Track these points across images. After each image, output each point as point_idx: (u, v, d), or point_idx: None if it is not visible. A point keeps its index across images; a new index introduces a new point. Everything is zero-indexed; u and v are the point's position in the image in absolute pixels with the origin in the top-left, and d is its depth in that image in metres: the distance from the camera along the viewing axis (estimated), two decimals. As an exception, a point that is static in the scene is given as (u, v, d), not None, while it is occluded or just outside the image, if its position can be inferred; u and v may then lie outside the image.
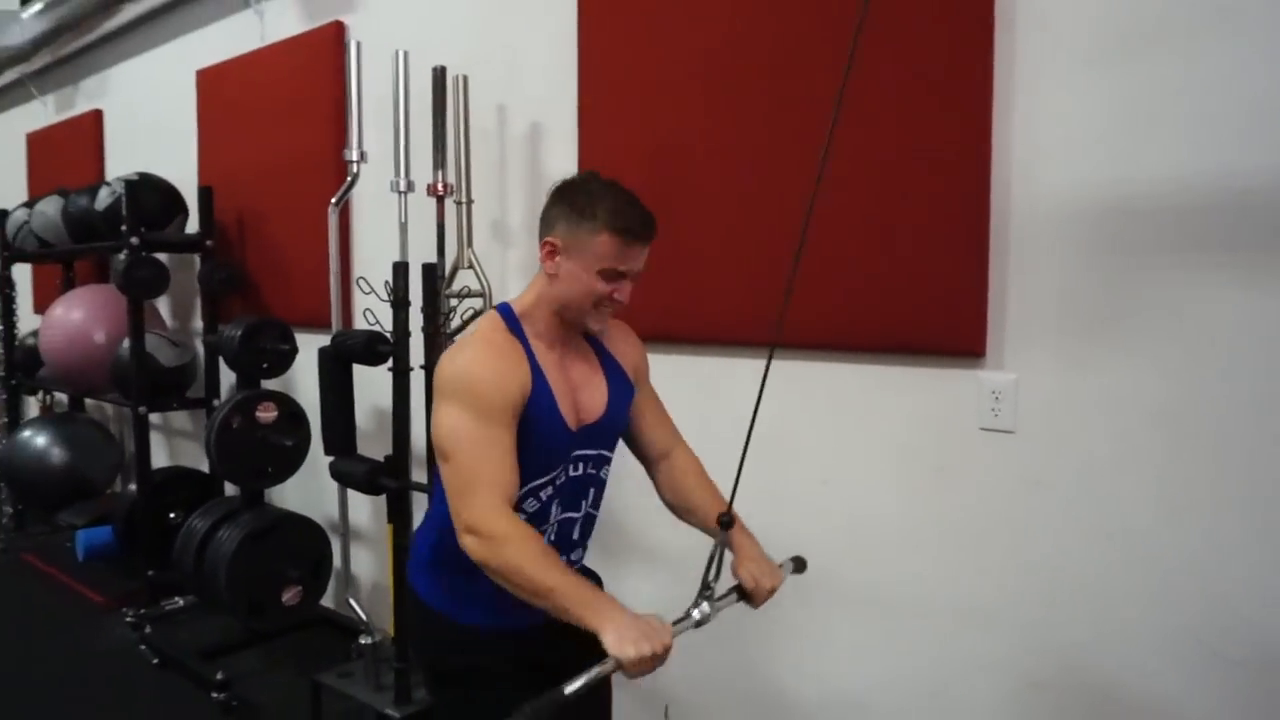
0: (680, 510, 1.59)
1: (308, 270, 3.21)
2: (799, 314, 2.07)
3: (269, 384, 3.21)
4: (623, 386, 1.53)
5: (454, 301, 2.52)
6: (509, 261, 2.69)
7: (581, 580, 1.24)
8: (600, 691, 1.53)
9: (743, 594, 1.42)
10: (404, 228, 2.55)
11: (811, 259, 2.03)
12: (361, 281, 2.37)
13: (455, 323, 2.50)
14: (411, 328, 2.42)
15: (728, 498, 1.45)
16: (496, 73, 2.65)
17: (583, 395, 1.46)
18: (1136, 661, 1.68)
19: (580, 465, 1.47)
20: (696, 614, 1.28)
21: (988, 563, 1.87)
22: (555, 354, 1.43)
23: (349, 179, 2.55)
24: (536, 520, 1.43)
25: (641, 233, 1.37)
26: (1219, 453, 1.58)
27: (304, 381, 3.18)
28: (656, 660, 1.16)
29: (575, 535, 1.51)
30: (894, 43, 1.87)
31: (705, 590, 1.29)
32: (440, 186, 2.57)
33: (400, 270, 2.40)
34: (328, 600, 3.27)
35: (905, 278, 1.92)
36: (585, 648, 1.18)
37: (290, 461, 3.12)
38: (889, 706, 2.04)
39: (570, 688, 1.12)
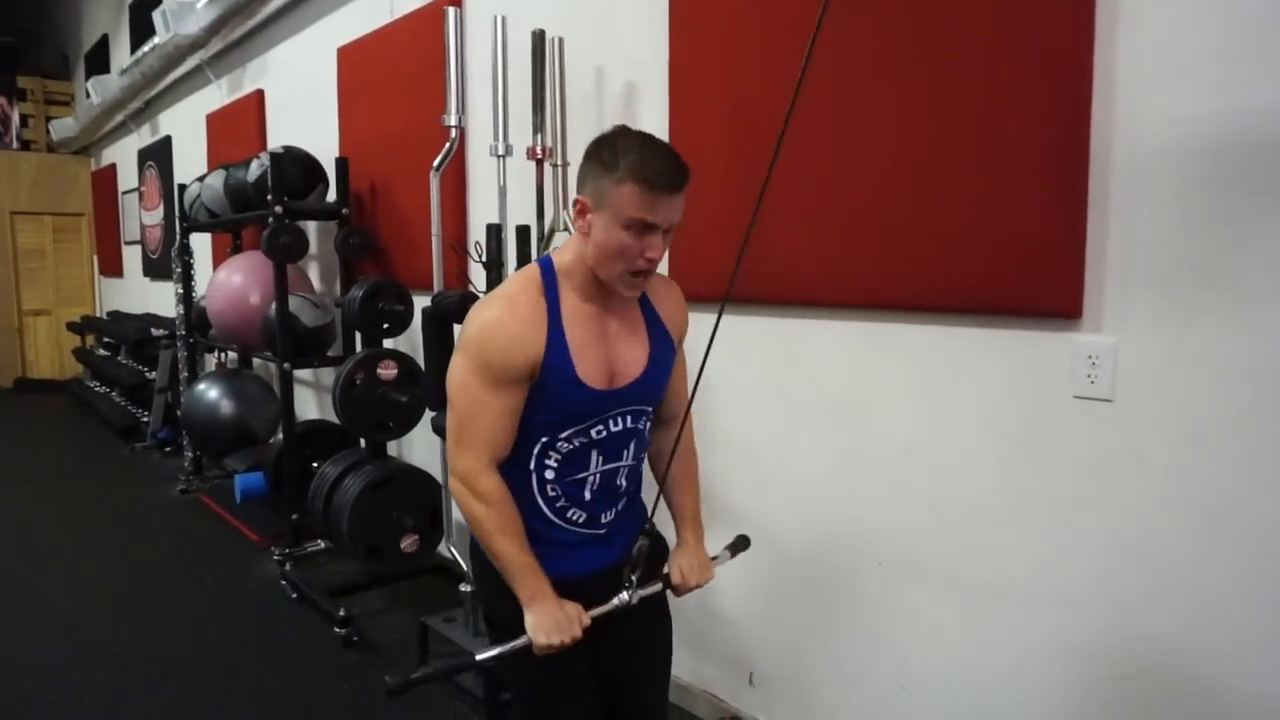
0: (654, 472, 1.61)
1: (426, 235, 3.36)
2: (877, 271, 1.98)
3: (392, 343, 3.39)
4: (666, 347, 1.50)
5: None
6: (605, 223, 2.70)
7: (526, 561, 1.37)
8: (661, 638, 1.64)
9: (669, 584, 1.53)
10: (503, 191, 2.61)
11: (890, 210, 1.94)
12: (455, 245, 2.44)
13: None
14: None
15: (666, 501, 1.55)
16: (592, 34, 2.65)
17: (621, 355, 1.43)
18: (1239, 657, 1.50)
19: (620, 421, 1.45)
20: (616, 601, 1.40)
21: (1079, 541, 1.71)
22: (593, 311, 1.41)
23: (449, 144, 2.63)
24: (574, 467, 1.43)
25: (667, 181, 1.30)
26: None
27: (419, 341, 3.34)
28: (564, 646, 1.33)
29: (620, 483, 1.50)
30: (984, -26, 1.72)
31: (627, 584, 1.40)
32: (539, 150, 2.61)
33: (493, 232, 2.46)
34: (444, 549, 3.44)
35: (992, 229, 1.77)
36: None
37: (409, 416, 3.29)
38: (966, 687, 1.93)
39: (482, 655, 1.35)
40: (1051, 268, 1.69)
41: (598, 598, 1.41)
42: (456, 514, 3.11)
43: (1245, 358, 1.47)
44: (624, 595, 1.40)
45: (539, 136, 2.61)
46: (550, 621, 1.33)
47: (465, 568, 2.87)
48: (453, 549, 2.86)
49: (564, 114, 2.58)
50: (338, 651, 2.98)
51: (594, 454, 1.44)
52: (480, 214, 3.28)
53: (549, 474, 1.43)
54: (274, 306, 3.65)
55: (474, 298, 2.45)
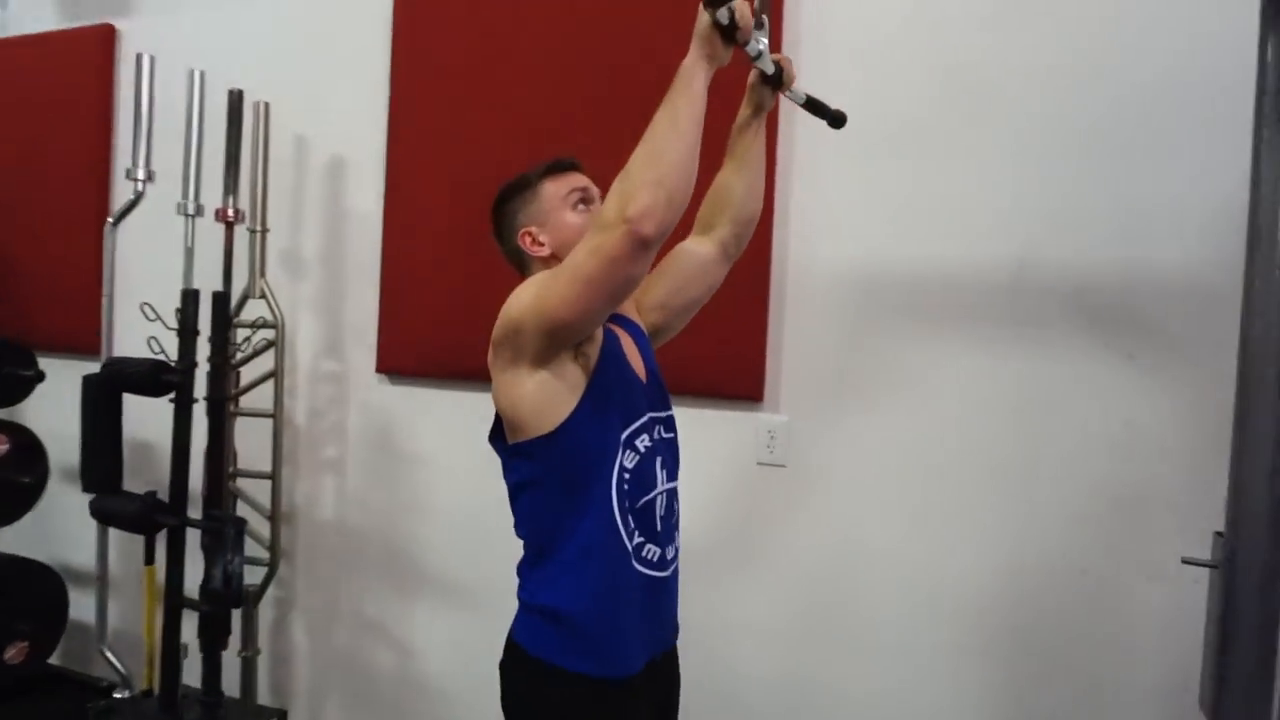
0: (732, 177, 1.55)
1: (65, 290, 2.92)
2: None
3: (6, 413, 2.86)
4: (643, 339, 1.52)
5: (246, 332, 2.44)
6: (300, 294, 2.64)
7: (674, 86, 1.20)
8: None
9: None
10: (190, 253, 2.43)
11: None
12: (147, 307, 2.23)
13: (246, 352, 2.43)
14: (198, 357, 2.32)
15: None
16: (298, 103, 2.62)
17: (631, 357, 1.44)
18: (891, 664, 2.02)
19: (658, 429, 1.43)
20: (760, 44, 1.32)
21: (763, 583, 2.14)
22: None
23: (133, 197, 2.39)
24: (643, 487, 1.35)
25: (569, 161, 1.44)
26: (950, 481, 1.96)
27: (49, 411, 2.86)
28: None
29: (676, 508, 1.45)
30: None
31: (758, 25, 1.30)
32: (230, 212, 2.48)
33: (190, 298, 2.29)
34: (60, 657, 2.93)
35: (700, 330, 2.17)
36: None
37: (23, 500, 2.79)
38: None
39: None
40: (743, 362, 2.13)
41: (657, 700, 1.40)
42: (91, 611, 2.70)
43: (880, 430, 2.02)
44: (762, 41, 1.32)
45: (230, 198, 2.49)
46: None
47: (122, 671, 2.52)
48: (108, 652, 2.50)
49: (266, 179, 2.51)
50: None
51: (657, 465, 1.39)
52: (137, 274, 2.94)
53: (626, 501, 1.32)
54: None
55: (167, 366, 2.24)
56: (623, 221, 1.11)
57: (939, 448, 1.98)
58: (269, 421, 2.52)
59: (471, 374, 2.40)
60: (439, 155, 2.44)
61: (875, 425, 2.03)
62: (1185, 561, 1.45)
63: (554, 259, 1.35)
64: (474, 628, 2.45)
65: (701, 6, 1.18)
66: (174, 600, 2.28)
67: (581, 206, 1.39)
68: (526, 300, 1.25)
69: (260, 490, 2.55)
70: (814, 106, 1.50)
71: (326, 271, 2.64)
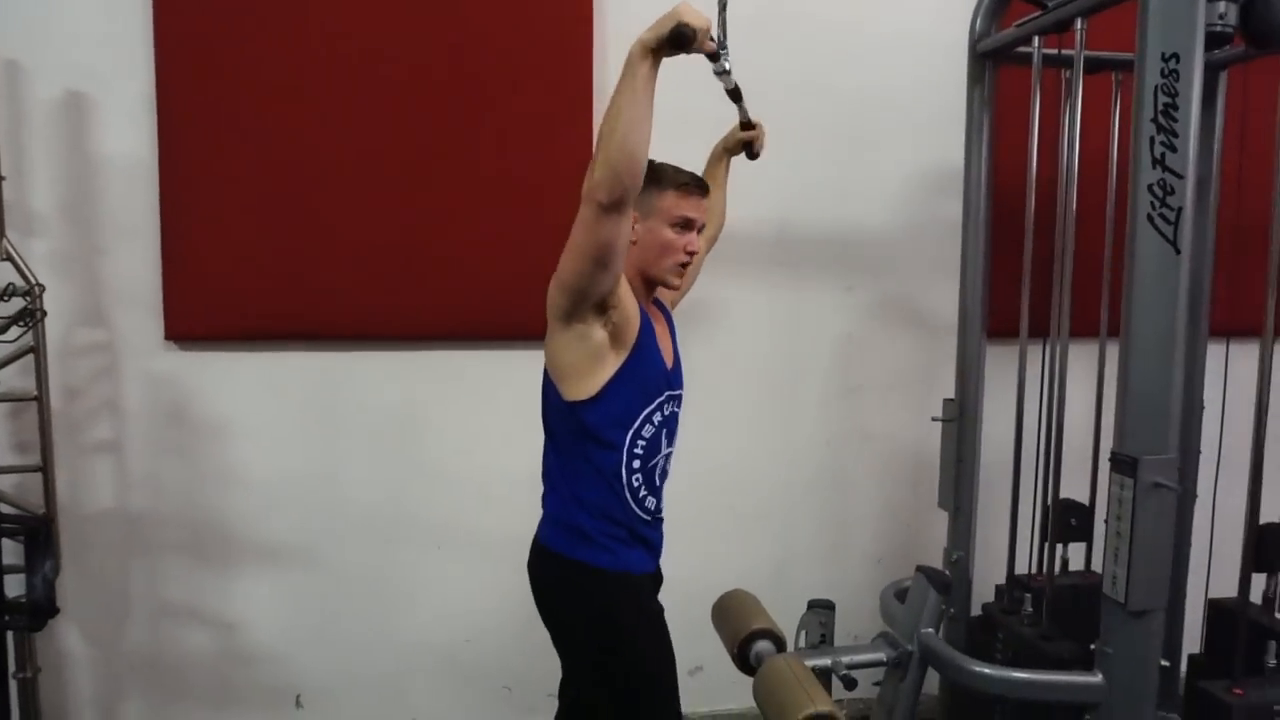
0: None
1: None
2: (433, 304, 2.41)
3: None
4: (673, 326, 1.80)
5: (-3, 302, 2.04)
6: (34, 252, 2.23)
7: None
8: None
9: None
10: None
11: (447, 252, 2.39)
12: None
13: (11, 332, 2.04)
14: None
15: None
16: (9, 24, 2.16)
17: (662, 344, 1.69)
18: (693, 531, 2.60)
19: (672, 404, 1.68)
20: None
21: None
22: (644, 307, 1.63)
23: None
24: (652, 452, 1.62)
25: (697, 185, 1.61)
26: (736, 387, 2.57)
27: None
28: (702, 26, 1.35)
29: (669, 468, 1.72)
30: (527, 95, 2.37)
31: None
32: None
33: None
34: None
35: (534, 279, 2.43)
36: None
37: None
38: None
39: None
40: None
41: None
42: None
43: (691, 352, 2.55)
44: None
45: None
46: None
47: None
48: None
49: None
50: None
51: (662, 436, 1.65)
52: None
53: (636, 463, 1.60)
54: None
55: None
56: (586, 194, 1.35)
57: (729, 361, 2.57)
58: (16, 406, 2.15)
59: (285, 334, 2.36)
60: (228, 90, 2.25)
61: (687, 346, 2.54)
62: (935, 419, 2.27)
63: (637, 250, 1.59)
64: (308, 585, 2.46)
65: (675, 11, 1.32)
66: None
67: (678, 230, 1.59)
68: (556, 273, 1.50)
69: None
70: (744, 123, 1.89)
71: (72, 228, 2.26)
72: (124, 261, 2.29)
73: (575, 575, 1.61)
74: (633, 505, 1.61)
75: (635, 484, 1.61)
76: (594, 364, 1.55)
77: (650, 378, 1.61)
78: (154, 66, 2.23)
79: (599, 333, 1.53)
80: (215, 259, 2.29)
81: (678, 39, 1.31)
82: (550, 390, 1.61)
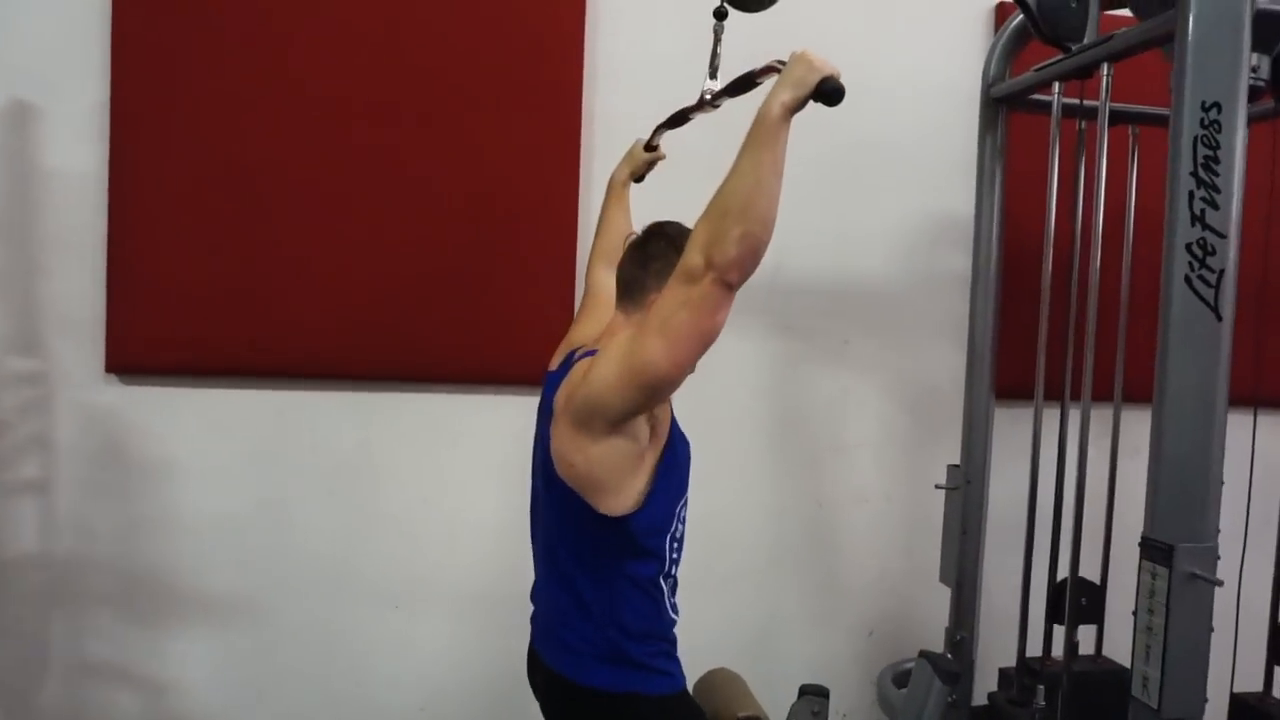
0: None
1: None
2: (400, 345, 2.23)
3: None
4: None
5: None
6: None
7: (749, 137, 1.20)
8: None
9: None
10: None
11: (409, 293, 2.22)
12: None
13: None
14: None
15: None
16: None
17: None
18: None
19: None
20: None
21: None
22: None
23: None
24: (682, 550, 1.43)
25: None
26: (724, 441, 2.40)
27: None
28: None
29: None
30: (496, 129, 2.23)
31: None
32: None
33: None
34: None
35: (508, 318, 2.27)
36: None
37: None
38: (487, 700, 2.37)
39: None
40: (549, 346, 2.30)
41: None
42: None
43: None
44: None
45: None
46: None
47: None
48: None
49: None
50: None
51: (683, 535, 1.45)
52: None
53: (673, 568, 1.41)
54: None
55: None
56: (711, 271, 1.13)
57: (716, 414, 2.40)
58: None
59: (238, 369, 2.18)
60: (187, 103, 2.10)
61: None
62: (938, 487, 2.11)
63: None
64: (251, 644, 2.25)
65: (805, 61, 1.17)
66: None
67: None
68: (616, 365, 1.23)
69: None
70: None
71: (9, 245, 2.08)
72: (65, 284, 2.11)
73: (631, 712, 1.36)
74: (669, 611, 1.41)
75: (669, 587, 1.40)
76: (639, 466, 1.32)
77: (683, 466, 1.42)
78: (109, 76, 2.07)
79: (644, 429, 1.31)
80: (165, 284, 2.12)
81: (832, 95, 1.16)
82: (576, 508, 1.32)
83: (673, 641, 1.42)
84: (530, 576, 1.52)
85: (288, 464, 2.25)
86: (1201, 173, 1.42)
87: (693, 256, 1.16)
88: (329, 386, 2.24)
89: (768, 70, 1.29)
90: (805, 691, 1.83)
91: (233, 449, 2.22)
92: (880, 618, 2.55)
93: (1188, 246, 1.43)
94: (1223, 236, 1.42)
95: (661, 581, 1.38)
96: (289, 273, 2.16)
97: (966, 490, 2.07)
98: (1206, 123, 1.41)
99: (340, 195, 2.17)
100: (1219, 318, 1.42)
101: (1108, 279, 1.97)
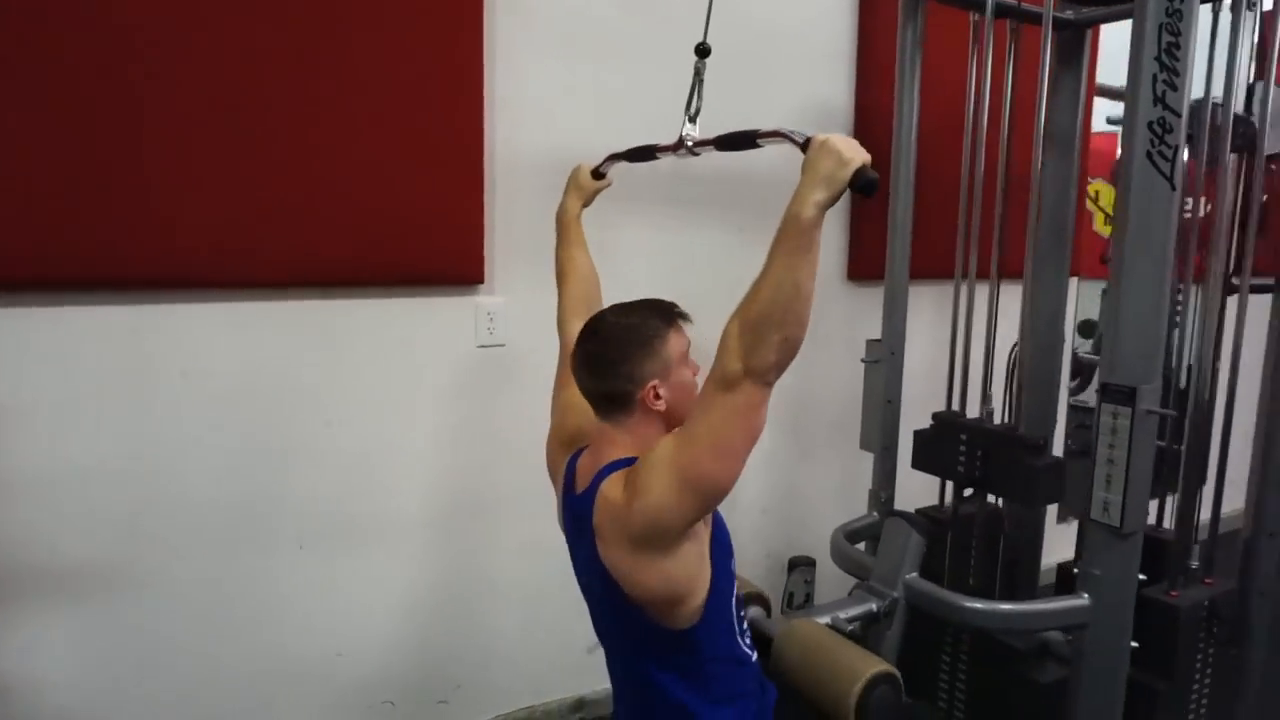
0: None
1: None
2: (294, 248, 1.92)
3: None
4: None
5: None
6: None
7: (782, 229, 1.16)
8: None
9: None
10: None
11: (301, 193, 1.88)
12: None
13: None
14: None
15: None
16: None
17: None
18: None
19: None
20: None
21: (498, 463, 2.20)
22: None
23: None
24: (733, 600, 1.35)
25: (678, 310, 1.35)
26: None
27: None
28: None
29: None
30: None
31: None
32: None
33: None
34: None
35: (410, 218, 2.01)
36: None
37: None
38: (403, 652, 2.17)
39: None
40: (464, 247, 2.08)
41: None
42: None
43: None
44: None
45: None
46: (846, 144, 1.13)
47: None
48: None
49: None
50: None
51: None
52: None
53: (737, 624, 1.36)
54: None
55: None
56: (752, 375, 1.11)
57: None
58: None
59: (78, 281, 1.75)
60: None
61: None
62: (863, 360, 2.23)
63: (667, 414, 1.29)
64: (122, 617, 1.86)
65: (833, 154, 1.13)
66: None
67: (688, 361, 1.34)
68: (669, 481, 1.15)
69: None
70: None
71: None
72: None
73: None
74: (743, 648, 1.37)
75: (741, 628, 1.37)
76: (702, 568, 1.26)
77: (720, 524, 1.35)
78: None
79: (704, 529, 1.26)
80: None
81: (867, 188, 1.10)
82: (644, 626, 1.26)
83: (751, 673, 1.39)
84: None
85: (151, 395, 1.84)
86: (1165, 57, 1.59)
87: (731, 364, 1.12)
88: (199, 297, 1.85)
89: (774, 135, 1.26)
90: (795, 564, 1.90)
91: (78, 380, 1.77)
92: (771, 497, 2.69)
93: (1149, 125, 1.61)
94: (1178, 115, 1.61)
95: (739, 638, 1.35)
96: (142, 155, 1.75)
97: (890, 361, 2.21)
98: (1170, 11, 1.58)
99: (212, 51, 1.76)
100: (1173, 188, 1.63)
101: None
